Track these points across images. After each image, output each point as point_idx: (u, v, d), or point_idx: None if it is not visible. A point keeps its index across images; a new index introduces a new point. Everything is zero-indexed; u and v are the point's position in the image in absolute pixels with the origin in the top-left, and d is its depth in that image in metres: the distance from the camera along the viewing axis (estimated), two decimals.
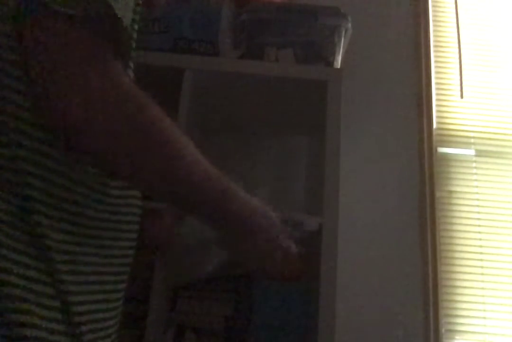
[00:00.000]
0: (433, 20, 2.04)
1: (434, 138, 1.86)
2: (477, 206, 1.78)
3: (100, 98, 0.55)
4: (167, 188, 0.63)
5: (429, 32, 2.00)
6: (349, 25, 1.45)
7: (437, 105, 1.92)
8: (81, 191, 0.63)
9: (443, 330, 1.62)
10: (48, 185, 0.59)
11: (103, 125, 0.55)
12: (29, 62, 0.54)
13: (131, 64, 0.68)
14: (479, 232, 1.75)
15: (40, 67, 0.53)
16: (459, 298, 1.67)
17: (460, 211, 1.78)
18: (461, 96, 1.93)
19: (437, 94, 1.93)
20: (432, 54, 1.98)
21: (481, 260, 1.71)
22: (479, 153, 1.87)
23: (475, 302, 1.66)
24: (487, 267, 1.70)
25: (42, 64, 0.53)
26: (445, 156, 1.85)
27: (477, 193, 1.80)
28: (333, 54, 1.41)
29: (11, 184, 0.57)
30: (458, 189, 1.81)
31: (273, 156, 1.74)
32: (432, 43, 1.99)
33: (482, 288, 1.68)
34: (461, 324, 1.64)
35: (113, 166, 0.60)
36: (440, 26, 2.04)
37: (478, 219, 1.77)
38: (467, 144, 1.88)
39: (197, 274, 1.04)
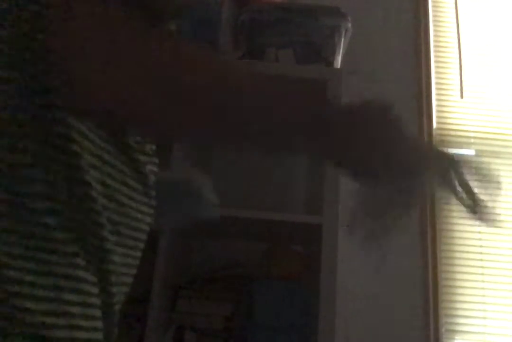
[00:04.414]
0: (433, 20, 2.04)
1: (434, 138, 1.85)
2: None
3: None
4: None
5: (429, 32, 2.00)
6: (349, 25, 1.45)
7: (437, 105, 1.92)
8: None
9: (443, 330, 1.62)
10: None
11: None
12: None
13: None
14: (479, 232, 1.75)
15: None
16: (459, 298, 1.67)
17: (460, 211, 1.77)
18: (461, 96, 1.93)
19: (437, 94, 1.93)
20: (432, 54, 1.98)
21: (481, 260, 1.71)
22: (479, 153, 1.87)
23: (475, 302, 1.66)
24: (487, 267, 1.70)
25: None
26: None
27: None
28: (333, 54, 1.41)
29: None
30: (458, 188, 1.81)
31: (273, 156, 1.74)
32: (432, 43, 1.99)
33: (482, 288, 1.68)
34: (461, 324, 1.64)
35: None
36: (440, 26, 2.04)
37: None
38: (467, 144, 1.88)
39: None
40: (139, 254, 0.68)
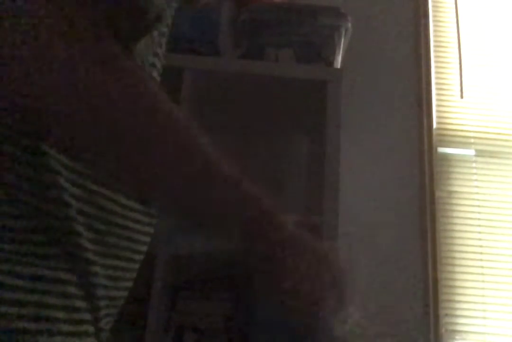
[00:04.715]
0: (433, 20, 2.04)
1: (434, 138, 1.86)
2: (477, 206, 1.78)
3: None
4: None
5: (429, 32, 2.00)
6: (349, 25, 1.45)
7: (437, 105, 1.92)
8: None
9: (443, 330, 1.62)
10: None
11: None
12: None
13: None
14: (479, 232, 1.75)
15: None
16: (459, 298, 1.67)
17: (460, 211, 1.78)
18: (461, 96, 1.93)
19: (437, 94, 1.93)
20: (432, 54, 1.98)
21: (481, 260, 1.71)
22: (479, 153, 1.87)
23: (475, 302, 1.66)
24: (487, 267, 1.70)
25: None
26: (445, 156, 1.85)
27: (477, 193, 1.80)
28: (333, 54, 1.41)
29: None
30: (458, 189, 1.81)
31: (273, 156, 1.74)
32: (432, 43, 1.99)
33: (482, 288, 1.68)
34: (461, 324, 1.64)
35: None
36: (440, 26, 2.05)
37: (478, 219, 1.77)
38: (467, 144, 1.88)
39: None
40: (134, 266, 0.62)
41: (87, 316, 0.54)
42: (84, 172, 0.54)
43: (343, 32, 1.43)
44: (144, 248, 0.64)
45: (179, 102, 1.28)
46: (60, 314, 0.51)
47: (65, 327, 0.51)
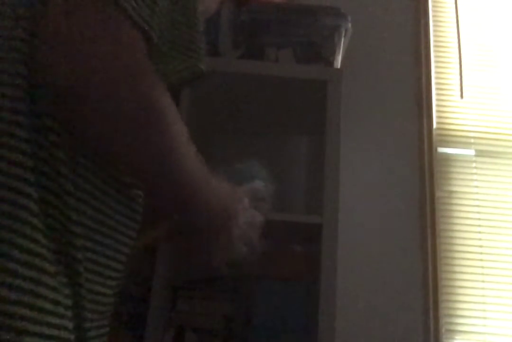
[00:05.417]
0: (433, 20, 2.04)
1: (434, 138, 1.86)
2: (477, 206, 1.78)
3: (111, 62, 0.51)
4: (152, 172, 0.59)
5: (429, 32, 2.00)
6: (349, 25, 1.45)
7: (437, 105, 1.92)
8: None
9: (443, 330, 1.62)
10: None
11: (107, 90, 0.51)
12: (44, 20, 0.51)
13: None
14: (479, 232, 1.75)
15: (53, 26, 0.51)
16: (459, 298, 1.67)
17: (460, 211, 1.78)
18: (461, 96, 1.93)
19: (437, 94, 1.93)
20: (432, 54, 1.98)
21: (481, 260, 1.71)
22: (479, 153, 1.87)
23: (475, 302, 1.66)
24: (487, 267, 1.70)
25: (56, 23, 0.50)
26: (445, 156, 1.85)
27: (477, 193, 1.80)
28: (333, 54, 1.41)
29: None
30: (458, 189, 1.81)
31: (273, 156, 1.74)
32: (432, 43, 1.99)
33: (482, 288, 1.68)
34: (461, 324, 1.64)
35: (104, 138, 0.55)
36: (440, 26, 2.05)
37: (478, 219, 1.77)
38: (467, 144, 1.88)
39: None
40: (117, 266, 0.64)
41: (72, 312, 0.55)
42: (84, 174, 0.58)
43: (343, 32, 1.43)
44: (126, 250, 0.66)
45: (179, 102, 1.28)
46: (47, 305, 0.52)
47: (50, 319, 0.52)
